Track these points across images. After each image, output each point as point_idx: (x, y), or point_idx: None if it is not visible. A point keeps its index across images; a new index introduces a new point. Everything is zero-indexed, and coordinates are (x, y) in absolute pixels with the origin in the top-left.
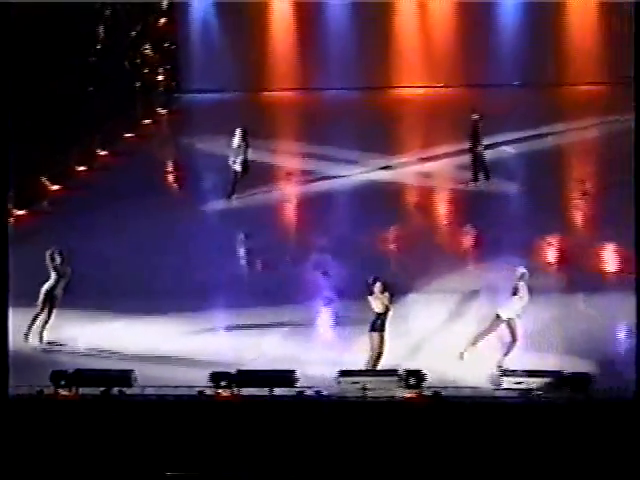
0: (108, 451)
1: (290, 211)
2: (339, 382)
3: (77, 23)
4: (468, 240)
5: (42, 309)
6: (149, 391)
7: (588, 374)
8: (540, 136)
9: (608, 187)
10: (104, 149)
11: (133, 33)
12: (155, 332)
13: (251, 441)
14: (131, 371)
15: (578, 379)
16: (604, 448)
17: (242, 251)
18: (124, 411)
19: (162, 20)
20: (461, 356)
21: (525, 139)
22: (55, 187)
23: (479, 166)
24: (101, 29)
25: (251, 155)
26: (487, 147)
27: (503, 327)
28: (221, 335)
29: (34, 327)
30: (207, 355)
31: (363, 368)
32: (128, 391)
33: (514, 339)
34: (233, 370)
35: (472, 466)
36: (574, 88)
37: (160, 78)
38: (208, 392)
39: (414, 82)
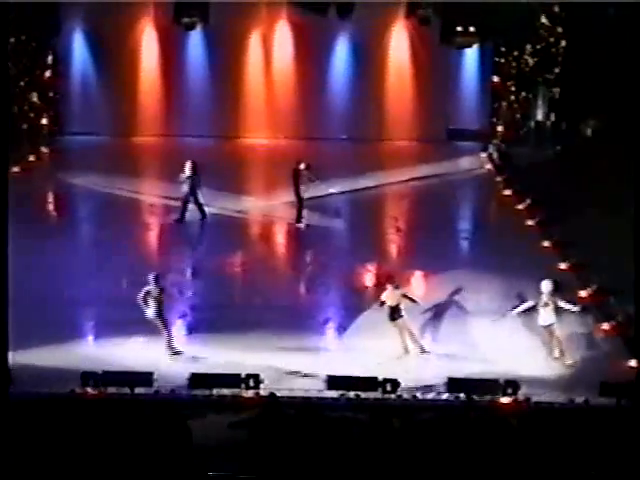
0: None
1: (152, 238)
2: None
3: None
4: (301, 266)
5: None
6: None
7: (397, 380)
8: (362, 182)
9: (416, 224)
10: None
11: (22, 83)
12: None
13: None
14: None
15: (390, 382)
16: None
17: (111, 271)
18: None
19: (47, 73)
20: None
21: (350, 185)
22: None
23: (301, 208)
24: None
25: (118, 191)
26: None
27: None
28: (90, 343)
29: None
30: (77, 360)
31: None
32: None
33: (558, 340)
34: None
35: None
36: (392, 143)
37: (44, 122)
38: (78, 390)
39: (259, 133)
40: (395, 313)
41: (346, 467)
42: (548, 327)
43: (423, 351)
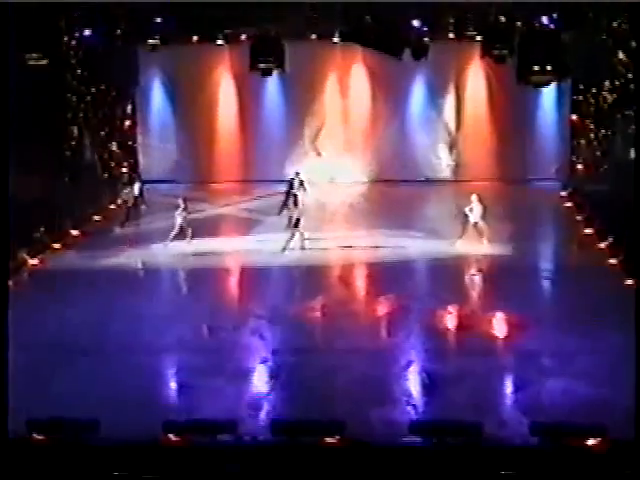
0: None
1: (231, 282)
2: None
3: (52, 123)
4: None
5: None
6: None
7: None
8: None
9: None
10: (75, 229)
11: (102, 133)
12: (116, 383)
13: None
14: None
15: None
16: None
17: (191, 318)
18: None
19: (127, 123)
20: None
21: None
22: (33, 261)
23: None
24: (75, 129)
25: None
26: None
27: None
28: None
29: None
30: (161, 404)
31: None
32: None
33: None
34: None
35: None
36: (472, 184)
37: (124, 170)
38: (161, 438)
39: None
40: (296, 223)
41: None
42: (476, 224)
43: (303, 248)
